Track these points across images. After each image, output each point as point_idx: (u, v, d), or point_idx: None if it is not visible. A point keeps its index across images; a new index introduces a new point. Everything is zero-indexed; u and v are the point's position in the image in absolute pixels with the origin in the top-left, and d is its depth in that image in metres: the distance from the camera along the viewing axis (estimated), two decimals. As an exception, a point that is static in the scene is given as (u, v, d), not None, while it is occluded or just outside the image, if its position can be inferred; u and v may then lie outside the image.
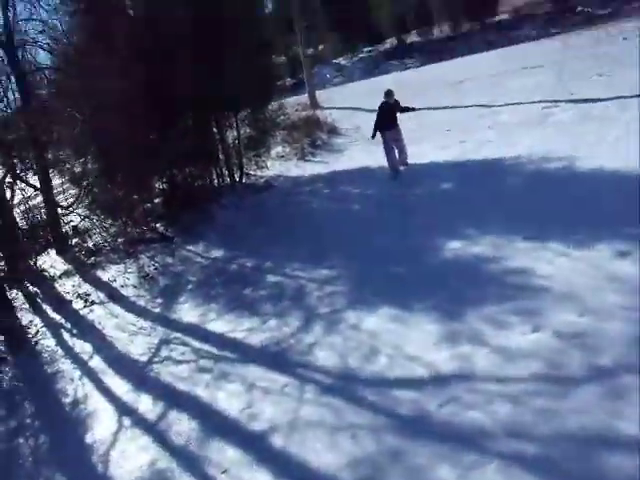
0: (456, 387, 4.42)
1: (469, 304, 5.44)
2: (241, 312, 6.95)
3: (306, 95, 21.00)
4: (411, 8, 33.20)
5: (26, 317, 8.84)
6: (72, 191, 12.37)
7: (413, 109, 10.69)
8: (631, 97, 10.36)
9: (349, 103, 18.60)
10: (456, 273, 6.20)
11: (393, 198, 9.28)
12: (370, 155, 11.59)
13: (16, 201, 10.88)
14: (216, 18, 10.88)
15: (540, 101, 12.05)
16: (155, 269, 9.25)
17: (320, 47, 39.05)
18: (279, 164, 13.56)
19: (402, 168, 10.35)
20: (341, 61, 33.67)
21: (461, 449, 3.85)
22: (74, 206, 11.28)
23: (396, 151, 10.35)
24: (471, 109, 13.35)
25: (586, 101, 11.16)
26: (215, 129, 12.35)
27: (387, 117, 10.21)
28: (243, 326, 6.59)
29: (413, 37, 32.27)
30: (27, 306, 9.18)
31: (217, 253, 9.30)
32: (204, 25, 10.72)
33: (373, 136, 10.39)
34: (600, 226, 6.09)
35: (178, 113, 10.88)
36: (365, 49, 34.27)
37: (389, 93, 10.37)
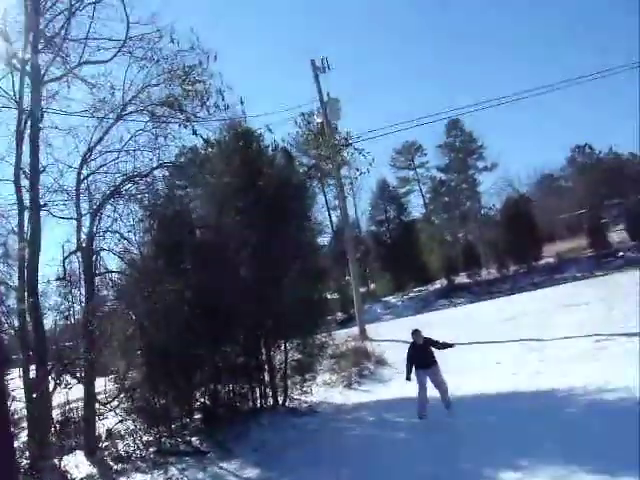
0: None
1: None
2: None
3: (356, 328, 21.31)
4: (460, 252, 35.01)
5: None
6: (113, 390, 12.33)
7: (451, 345, 9.80)
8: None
9: (397, 337, 18.58)
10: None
11: (441, 426, 8.73)
12: (416, 386, 11.23)
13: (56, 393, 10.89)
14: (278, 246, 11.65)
15: (590, 335, 11.82)
16: (183, 484, 8.62)
17: (372, 285, 40.74)
18: (324, 390, 13.27)
19: (447, 409, 9.28)
20: (391, 299, 34.69)
21: None
22: (112, 404, 11.09)
23: (431, 390, 9.46)
24: (520, 343, 13.16)
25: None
26: (264, 349, 12.43)
27: (419, 357, 9.54)
28: None
29: (462, 278, 33.36)
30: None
31: (251, 473, 8.69)
32: (264, 252, 11.50)
33: (408, 377, 9.65)
34: None
35: (229, 329, 11.09)
36: (415, 289, 35.41)
37: (416, 332, 9.80)
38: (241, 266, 11.89)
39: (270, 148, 13.26)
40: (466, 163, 57.89)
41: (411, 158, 61.67)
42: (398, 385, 12.58)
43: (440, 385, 9.39)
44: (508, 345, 13.32)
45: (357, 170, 19.53)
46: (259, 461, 9.15)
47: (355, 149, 16.42)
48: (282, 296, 11.59)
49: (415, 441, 8.54)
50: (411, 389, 11.40)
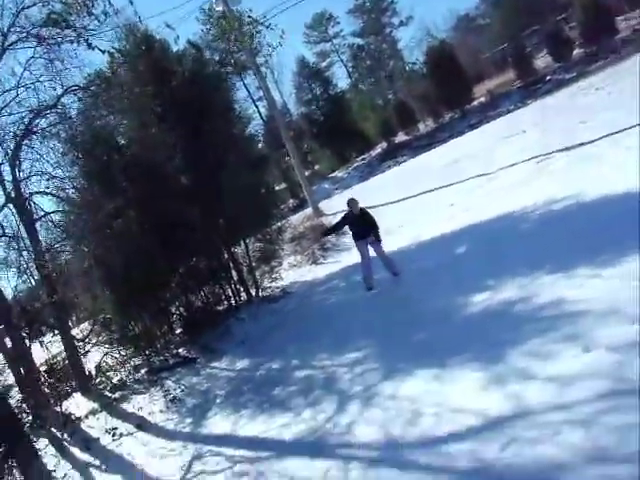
0: (514, 427, 3.97)
1: (509, 346, 5.07)
2: (272, 411, 6.53)
3: (309, 209, 21.45)
4: (393, 112, 34.88)
5: (52, 463, 8.40)
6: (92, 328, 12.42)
7: (379, 239, 9.20)
8: (616, 133, 10.50)
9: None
10: (488, 322, 5.89)
11: (411, 269, 9.05)
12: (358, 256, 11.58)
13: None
14: (211, 144, 11.28)
15: (532, 157, 12.17)
16: (182, 391, 8.92)
17: (316, 166, 40.66)
18: (293, 272, 13.51)
19: (395, 276, 9.14)
20: (337, 174, 34.80)
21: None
22: (90, 338, 11.16)
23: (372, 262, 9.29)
24: (468, 182, 13.46)
25: (575, 146, 11.25)
26: (225, 250, 12.42)
27: (356, 227, 9.33)
28: (276, 423, 6.16)
29: (401, 137, 33.50)
30: (54, 451, 8.79)
31: (242, 364, 8.98)
32: (195, 152, 11.15)
33: (327, 233, 10.37)
34: (624, 243, 5.81)
35: (181, 237, 10.97)
36: (358, 158, 35.53)
37: (352, 201, 9.40)
38: (176, 172, 11.55)
39: (174, 46, 12.52)
40: (380, 22, 56.34)
41: (324, 30, 59.51)
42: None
43: (382, 254, 9.27)
44: (457, 186, 13.61)
45: (269, 47, 18.64)
46: (247, 352, 9.42)
47: (262, 24, 15.55)
48: (226, 191, 11.39)
49: (382, 295, 8.85)
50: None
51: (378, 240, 9.20)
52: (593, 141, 10.93)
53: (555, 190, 9.03)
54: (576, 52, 31.36)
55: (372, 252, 9.18)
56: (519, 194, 9.99)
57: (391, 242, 11.01)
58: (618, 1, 37.05)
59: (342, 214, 9.89)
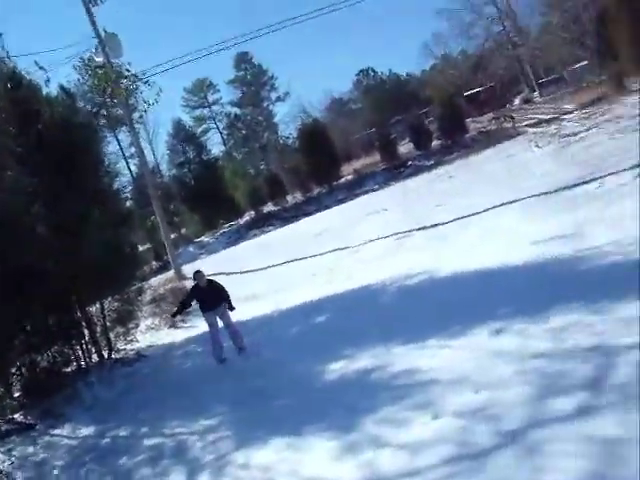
0: (367, 495, 3.97)
1: (363, 413, 5.16)
2: (115, 485, 6.01)
3: (172, 272, 20.94)
4: (264, 183, 35.62)
5: None
6: None
7: (231, 307, 9.06)
8: (467, 216, 11.55)
9: (212, 270, 18.67)
10: (344, 390, 6.00)
11: (268, 337, 9.06)
12: (240, 309, 11.41)
13: None
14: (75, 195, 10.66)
15: (392, 234, 12.92)
16: (11, 463, 7.92)
17: (182, 230, 39.98)
18: (150, 335, 12.94)
19: (240, 353, 8.92)
20: (204, 239, 34.44)
21: None
22: None
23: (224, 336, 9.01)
24: (332, 254, 13.92)
25: (432, 226, 12.14)
26: (78, 308, 11.59)
27: (204, 299, 8.96)
28: (118, 499, 5.66)
29: (269, 207, 34.10)
30: None
31: (87, 431, 8.25)
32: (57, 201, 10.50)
33: (174, 315, 9.98)
34: (471, 316, 6.30)
35: (33, 291, 10.10)
36: (225, 225, 35.52)
37: (197, 274, 9.13)
38: (34, 220, 10.79)
39: (45, 88, 11.98)
40: (259, 95, 58.26)
41: (204, 96, 60.31)
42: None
43: (231, 326, 9.02)
44: (320, 257, 14.02)
45: (145, 103, 18.43)
46: (94, 418, 8.70)
47: (139, 80, 15.44)
48: (86, 246, 10.78)
49: (241, 361, 8.72)
50: (238, 313, 11.60)
51: (231, 308, 9.00)
52: (446, 223, 11.87)
53: (412, 265, 9.62)
54: (434, 143, 34.39)
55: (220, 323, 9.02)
56: (378, 267, 10.49)
57: (251, 309, 11.01)
58: (468, 106, 41.74)
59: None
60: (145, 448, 6.69)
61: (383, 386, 5.61)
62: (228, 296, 9.01)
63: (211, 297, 8.90)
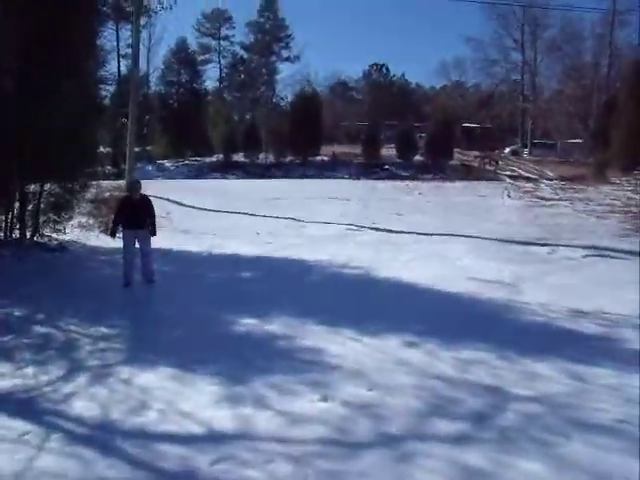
0: (232, 445, 3.97)
1: (256, 372, 5.17)
2: (-9, 357, 5.82)
3: (124, 181, 20.41)
4: (243, 133, 35.15)
5: None
6: None
7: (153, 232, 8.63)
8: (420, 234, 11.82)
9: (162, 194, 18.37)
10: (246, 345, 6.01)
11: (193, 276, 8.99)
12: (172, 240, 11.33)
13: None
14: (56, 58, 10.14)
15: (345, 224, 13.03)
16: None
17: (148, 148, 39.05)
18: (80, 231, 12.60)
19: (148, 284, 8.57)
20: (165, 162, 33.80)
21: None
22: None
23: (138, 260, 8.61)
24: (283, 221, 13.94)
25: (385, 231, 12.30)
26: (19, 180, 11.11)
27: (130, 215, 8.43)
28: (-10, 371, 5.48)
29: (240, 157, 33.74)
30: None
31: (-19, 301, 7.96)
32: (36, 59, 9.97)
33: (113, 234, 8.73)
34: (391, 322, 6.50)
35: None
36: (192, 158, 34.93)
37: (134, 184, 8.83)
38: (4, 74, 10.26)
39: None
40: (270, 48, 57.15)
41: (218, 27, 58.80)
42: (156, 237, 12.41)
43: (146, 254, 8.54)
44: (270, 220, 14.03)
45: (160, 4, 17.78)
46: (-7, 291, 8.44)
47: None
48: (47, 120, 10.34)
49: (159, 286, 8.61)
50: (165, 241, 11.41)
51: (153, 233, 8.55)
52: (399, 232, 12.06)
53: (353, 257, 9.78)
54: (417, 158, 34.76)
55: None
56: (321, 248, 10.60)
57: (184, 244, 10.91)
58: (461, 136, 42.41)
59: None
60: (34, 334, 6.51)
61: (285, 355, 5.65)
62: (154, 217, 8.59)
63: (138, 214, 8.38)
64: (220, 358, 5.57)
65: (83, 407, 4.63)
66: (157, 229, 8.77)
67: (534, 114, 48.45)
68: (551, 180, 27.84)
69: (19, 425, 4.40)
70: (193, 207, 16.49)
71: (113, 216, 8.89)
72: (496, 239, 12.03)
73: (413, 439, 4.00)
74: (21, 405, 4.77)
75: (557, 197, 20.05)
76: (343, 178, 26.82)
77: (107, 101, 32.99)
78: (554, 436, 4.03)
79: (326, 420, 4.28)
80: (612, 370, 5.19)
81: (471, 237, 12.10)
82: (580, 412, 4.40)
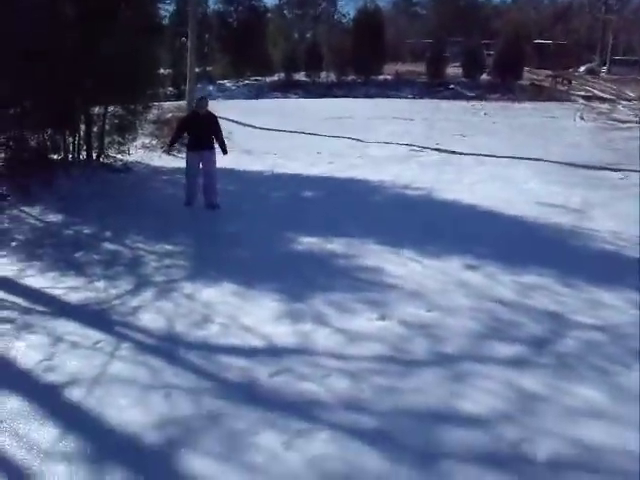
0: (291, 359, 4.12)
1: (317, 290, 5.29)
2: (66, 271, 6.12)
3: (185, 101, 20.49)
4: (304, 51, 34.33)
5: None
6: None
7: (225, 151, 8.36)
8: (485, 156, 11.40)
9: (225, 115, 18.38)
10: (307, 263, 6.12)
11: (255, 195, 9.08)
12: (235, 160, 11.34)
13: None
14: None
15: (408, 144, 12.74)
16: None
17: (209, 68, 38.81)
18: (143, 152, 12.86)
19: (209, 208, 8.32)
20: (226, 83, 33.60)
21: (290, 417, 3.49)
22: None
23: (201, 181, 8.35)
24: (345, 140, 13.77)
25: (449, 152, 11.96)
26: (83, 100, 11.30)
27: (196, 133, 8.12)
28: (65, 284, 5.79)
29: (301, 76, 33.16)
30: None
31: (54, 218, 8.32)
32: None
33: (171, 146, 9.05)
34: (452, 244, 6.44)
35: (48, 69, 9.72)
36: (252, 77, 34.57)
37: (201, 100, 8.35)
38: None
39: None
40: (332, -39, 54.66)
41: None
42: (219, 157, 12.58)
43: (210, 176, 8.23)
44: (332, 140, 13.89)
45: None
46: (64, 208, 8.75)
47: None
48: (108, 44, 10.35)
49: (223, 205, 8.73)
50: (231, 160, 11.47)
51: (224, 152, 8.26)
52: (463, 154, 11.70)
53: (415, 179, 9.69)
54: (484, 77, 33.15)
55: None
56: (384, 169, 10.48)
57: (246, 163, 10.95)
58: (532, 54, 39.86)
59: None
60: (103, 250, 6.80)
61: (346, 273, 5.73)
62: (222, 135, 8.29)
63: (205, 132, 8.05)
64: (281, 276, 5.69)
65: (150, 319, 4.87)
66: (219, 149, 8.63)
67: (617, 26, 44.84)
68: (630, 101, 26.11)
69: (93, 334, 4.69)
70: (254, 127, 16.44)
71: (175, 130, 8.70)
72: (565, 162, 11.50)
73: (470, 360, 4.03)
74: (94, 316, 5.06)
75: (636, 119, 18.82)
76: (407, 97, 26.04)
77: (166, 21, 32.65)
78: (614, 365, 3.96)
79: (383, 338, 4.35)
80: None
81: (539, 160, 11.61)
82: (643, 342, 4.29)
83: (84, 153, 11.42)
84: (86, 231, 7.67)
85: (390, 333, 4.42)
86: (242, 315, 4.83)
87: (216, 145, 8.32)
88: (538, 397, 3.57)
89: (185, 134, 8.68)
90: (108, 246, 6.98)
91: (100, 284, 5.74)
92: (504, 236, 6.95)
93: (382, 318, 4.66)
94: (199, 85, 28.47)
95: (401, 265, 5.87)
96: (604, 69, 44.05)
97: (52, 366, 4.24)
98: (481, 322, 4.60)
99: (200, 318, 4.83)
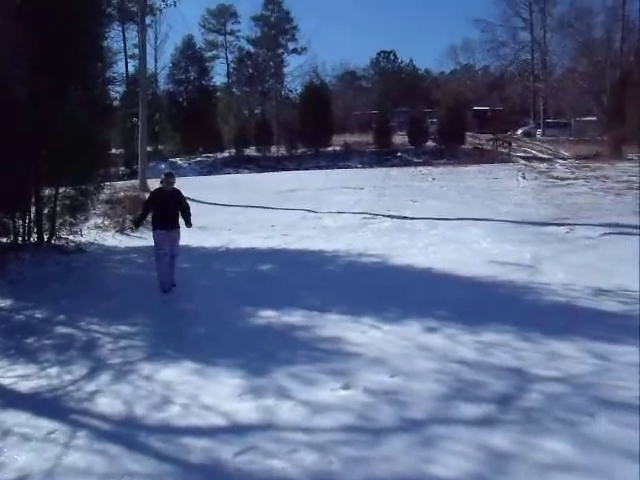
0: (256, 436, 3.98)
1: (278, 363, 5.19)
2: (17, 359, 5.88)
3: (138, 180, 20.62)
4: (254, 126, 35.17)
5: None
6: None
7: (189, 224, 8.15)
8: (437, 219, 11.71)
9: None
10: (267, 337, 6.02)
11: (211, 271, 9.02)
12: (189, 236, 11.31)
13: None
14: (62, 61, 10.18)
15: (360, 212, 13.00)
16: None
17: (160, 146, 39.21)
18: (96, 233, 12.69)
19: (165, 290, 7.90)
20: (178, 160, 33.89)
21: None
22: None
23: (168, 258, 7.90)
24: (298, 212, 13.94)
25: (400, 218, 12.24)
26: (33, 184, 11.18)
27: (162, 210, 7.87)
28: (15, 372, 5.54)
29: (252, 151, 33.76)
30: None
31: (3, 303, 8.05)
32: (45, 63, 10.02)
33: (136, 225, 8.62)
34: (410, 308, 6.47)
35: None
36: (204, 154, 35.03)
37: (168, 177, 8.07)
38: (15, 83, 10.30)
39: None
40: (277, 41, 56.95)
41: (223, 22, 58.78)
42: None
43: (174, 257, 8.02)
44: (285, 212, 14.04)
45: (164, 1, 17.81)
46: (14, 293, 8.52)
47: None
48: (59, 125, 10.40)
49: (178, 282, 8.63)
50: (184, 237, 11.44)
51: (188, 224, 8.01)
52: (414, 218, 11.98)
53: (369, 246, 9.76)
54: (429, 143, 34.51)
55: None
56: (337, 238, 10.57)
57: (201, 240, 10.94)
58: (472, 120, 41.99)
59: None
60: (56, 335, 6.59)
61: (306, 345, 5.66)
62: (189, 209, 8.10)
63: (171, 208, 7.87)
64: (241, 351, 5.59)
65: (107, 404, 4.68)
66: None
67: (546, 93, 47.85)
68: (566, 159, 27.52)
69: (46, 424, 4.47)
70: (208, 203, 16.54)
71: (142, 208, 8.41)
72: (513, 221, 11.91)
73: (437, 423, 3.99)
74: (46, 404, 4.83)
75: (573, 176, 19.79)
76: (356, 167, 26.85)
77: (117, 102, 33.08)
78: (579, 415, 3.99)
79: (349, 407, 4.28)
80: (635, 347, 5.12)
81: (488, 220, 11.99)
82: (604, 391, 4.35)
83: (35, 235, 11.20)
84: (38, 315, 7.44)
85: (355, 402, 4.36)
86: (203, 394, 4.70)
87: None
88: (508, 455, 3.55)
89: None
90: (61, 330, 6.77)
91: (53, 370, 5.52)
92: (461, 296, 7.04)
93: (346, 387, 4.60)
94: (151, 163, 28.68)
95: (361, 332, 5.86)
96: (539, 131, 46.52)
97: (1, 463, 4.00)
98: (445, 384, 4.58)
99: (160, 400, 4.67)
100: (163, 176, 8.15)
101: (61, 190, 11.38)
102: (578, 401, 4.21)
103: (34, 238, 11.17)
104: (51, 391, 5.07)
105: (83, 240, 11.80)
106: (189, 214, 8.11)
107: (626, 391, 4.30)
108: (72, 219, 11.65)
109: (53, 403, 4.83)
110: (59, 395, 4.97)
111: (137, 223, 8.46)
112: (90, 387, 5.06)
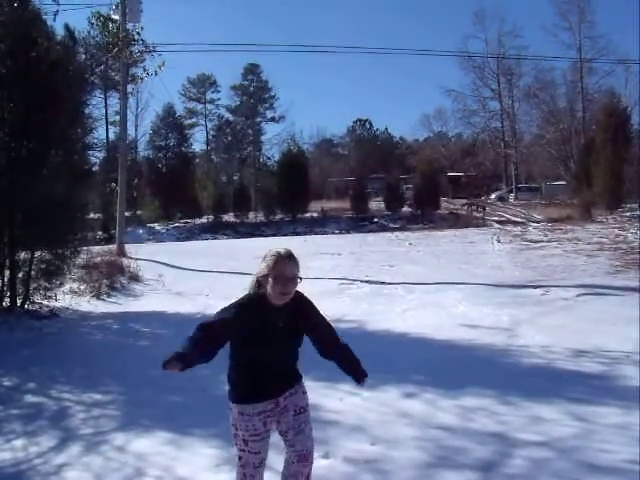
0: (230, 509, 3.83)
1: (255, 432, 5.01)
2: (-21, 431, 5.64)
3: (115, 245, 20.51)
4: (232, 193, 35.57)
5: None
6: None
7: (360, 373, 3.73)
8: (414, 284, 11.75)
9: (156, 257, 18.39)
10: (244, 405, 5.81)
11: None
12: (166, 303, 11.28)
13: None
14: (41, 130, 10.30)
15: (338, 278, 13.01)
16: None
17: (138, 212, 39.27)
18: (70, 298, 12.45)
19: None
20: (156, 226, 33.91)
21: None
22: None
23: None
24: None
25: (378, 283, 12.27)
26: (7, 247, 11.05)
27: (263, 353, 3.29)
28: (-22, 446, 5.30)
29: (230, 217, 33.95)
30: None
31: (-32, 371, 7.78)
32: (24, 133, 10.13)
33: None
34: (388, 374, 6.33)
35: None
36: (182, 220, 35.15)
37: (287, 258, 3.23)
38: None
39: (51, 20, 11.66)
40: (255, 109, 58.51)
41: (203, 91, 60.29)
42: (148, 301, 12.43)
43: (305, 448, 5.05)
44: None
45: (145, 71, 18.19)
46: (-18, 360, 8.27)
47: (147, 48, 15.30)
48: (37, 189, 10.40)
49: (154, 349, 8.45)
50: (160, 304, 11.36)
51: (360, 377, 3.73)
52: (392, 283, 12.02)
53: (346, 312, 9.70)
54: (405, 209, 35.13)
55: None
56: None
57: (177, 306, 10.80)
58: (446, 185, 43.16)
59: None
60: (25, 404, 6.34)
61: (284, 413, 5.50)
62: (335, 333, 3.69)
63: (286, 345, 3.41)
64: (217, 420, 5.40)
65: (76, 478, 4.48)
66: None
67: (517, 159, 49.50)
68: (538, 222, 28.14)
69: (8, 502, 4.24)
70: (185, 269, 16.46)
71: (200, 330, 3.38)
72: (489, 284, 12.02)
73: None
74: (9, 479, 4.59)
75: (546, 239, 20.19)
76: (334, 233, 27.08)
77: (96, 167, 33.30)
78: (564, 481, 3.92)
79: (328, 477, 4.15)
80: (616, 409, 5.10)
81: (465, 284, 12.08)
82: (588, 454, 4.29)
83: (7, 300, 10.95)
84: (6, 383, 7.17)
85: (335, 471, 4.24)
86: (178, 465, 4.52)
87: None
88: (493, 525, 3.45)
89: None
90: (30, 399, 6.51)
91: (18, 442, 5.27)
92: (440, 361, 6.99)
93: (325, 456, 4.47)
94: (129, 229, 28.63)
95: (339, 400, 5.73)
96: (512, 196, 47.75)
97: None
98: (427, 451, 4.49)
99: (132, 472, 4.48)
100: (276, 255, 3.23)
101: (37, 254, 11.23)
102: (563, 466, 4.14)
103: (7, 302, 10.92)
104: (15, 465, 4.83)
105: (58, 305, 11.55)
106: (350, 349, 3.71)
107: (611, 454, 4.25)
108: (47, 283, 11.43)
109: (16, 478, 4.60)
110: (23, 469, 4.73)
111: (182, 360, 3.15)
112: (58, 460, 4.83)
